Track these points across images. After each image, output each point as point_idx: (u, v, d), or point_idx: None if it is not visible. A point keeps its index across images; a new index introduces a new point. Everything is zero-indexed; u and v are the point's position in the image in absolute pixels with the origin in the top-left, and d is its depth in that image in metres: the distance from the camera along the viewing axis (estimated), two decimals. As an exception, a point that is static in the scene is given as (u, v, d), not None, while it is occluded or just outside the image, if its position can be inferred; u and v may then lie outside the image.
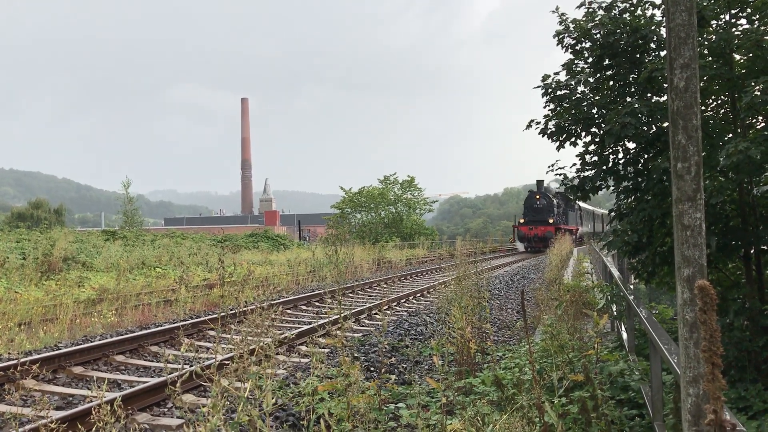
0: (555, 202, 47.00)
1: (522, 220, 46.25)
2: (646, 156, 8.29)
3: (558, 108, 8.86)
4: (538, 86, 9.00)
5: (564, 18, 8.83)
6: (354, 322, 11.33)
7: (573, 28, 8.72)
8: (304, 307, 13.56)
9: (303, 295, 14.69)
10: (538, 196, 45.99)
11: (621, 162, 8.61)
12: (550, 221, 44.69)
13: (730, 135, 7.62)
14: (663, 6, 6.89)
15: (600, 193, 9.00)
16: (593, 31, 8.51)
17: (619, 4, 8.65)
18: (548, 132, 8.85)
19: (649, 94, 8.35)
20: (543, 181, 48.45)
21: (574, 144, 8.83)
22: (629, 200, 8.64)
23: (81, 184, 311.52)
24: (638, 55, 8.40)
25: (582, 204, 57.49)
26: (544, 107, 9.05)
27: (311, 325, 10.10)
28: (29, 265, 17.12)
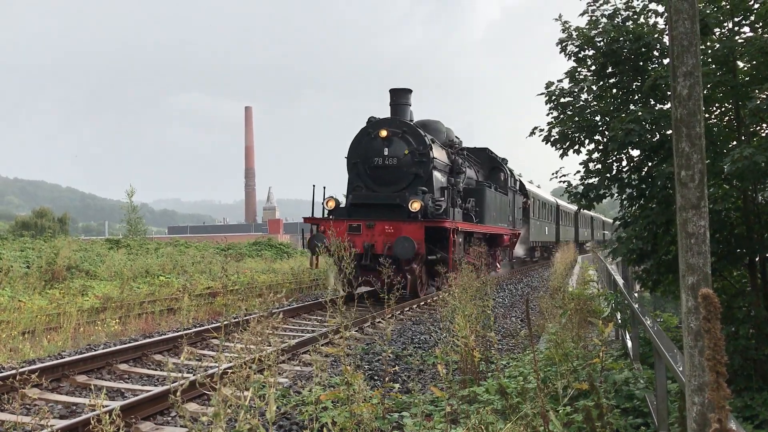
0: (449, 159, 17.99)
1: (331, 204, 16.20)
2: (650, 163, 8.28)
3: (561, 116, 8.87)
4: (542, 93, 9.01)
5: (567, 26, 8.85)
6: (357, 330, 11.31)
7: (576, 35, 8.74)
8: (307, 316, 13.54)
9: (306, 303, 14.67)
10: (385, 133, 15.87)
11: (625, 169, 8.60)
12: (413, 207, 14.69)
13: (734, 142, 7.61)
14: (666, 14, 6.90)
15: (604, 201, 9.00)
16: (596, 39, 8.52)
17: (622, 13, 8.67)
18: (552, 139, 8.86)
19: (652, 102, 8.35)
20: (410, 91, 17.45)
21: (578, 152, 8.83)
22: (633, 208, 8.63)
23: (85, 193, 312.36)
24: (641, 63, 8.41)
25: (534, 189, 32.61)
26: (548, 114, 9.05)
27: (314, 334, 10.08)
28: (33, 274, 17.14)
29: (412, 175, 15.73)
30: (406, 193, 15.43)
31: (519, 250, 27.15)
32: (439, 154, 16.78)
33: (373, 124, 16.44)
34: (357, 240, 14.59)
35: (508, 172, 24.14)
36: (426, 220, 14.75)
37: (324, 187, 16.39)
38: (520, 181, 28.26)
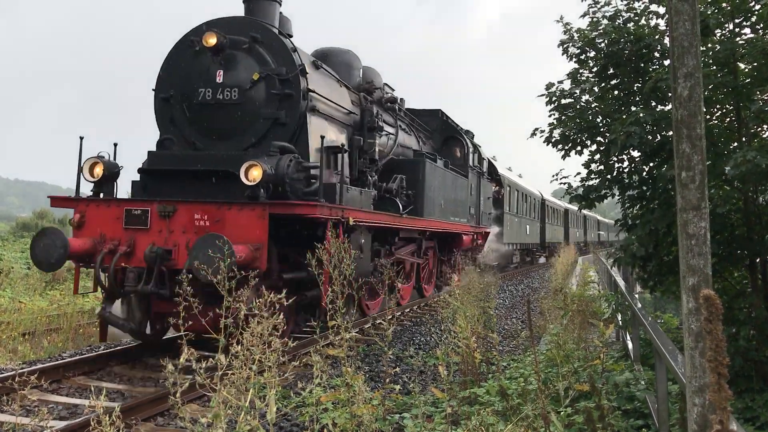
0: (354, 105, 10.36)
1: (97, 171, 7.96)
2: (651, 164, 8.27)
3: (562, 117, 8.85)
4: (542, 94, 8.99)
5: (568, 27, 8.84)
6: (358, 331, 11.30)
7: (577, 37, 8.73)
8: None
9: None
10: (215, 40, 7.86)
11: (626, 171, 8.59)
12: (250, 177, 7.16)
13: (735, 144, 7.61)
14: (666, 16, 6.91)
15: (605, 201, 9.00)
16: (597, 41, 8.51)
17: (623, 14, 8.65)
18: (553, 141, 8.84)
19: (653, 103, 8.34)
20: None
21: (580, 153, 8.82)
22: (634, 209, 8.62)
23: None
24: (642, 65, 8.40)
25: (512, 177, 25.87)
26: (549, 116, 9.03)
27: (314, 336, 10.04)
28: (34, 275, 17.15)
29: (269, 121, 8.34)
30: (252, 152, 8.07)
31: (488, 255, 20.21)
32: (327, 88, 9.45)
33: (199, 28, 8.63)
34: (141, 240, 7.50)
35: (470, 146, 16.33)
36: (275, 203, 7.41)
37: (115, 144, 8.89)
38: (490, 161, 20.56)
